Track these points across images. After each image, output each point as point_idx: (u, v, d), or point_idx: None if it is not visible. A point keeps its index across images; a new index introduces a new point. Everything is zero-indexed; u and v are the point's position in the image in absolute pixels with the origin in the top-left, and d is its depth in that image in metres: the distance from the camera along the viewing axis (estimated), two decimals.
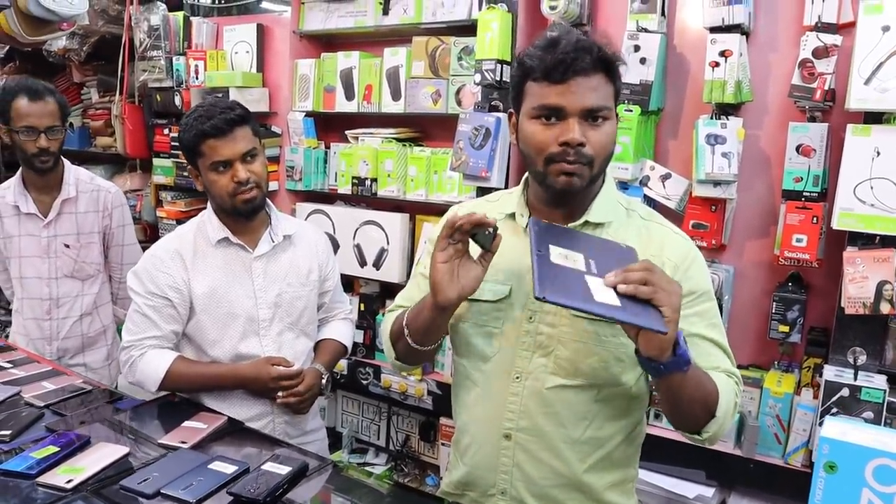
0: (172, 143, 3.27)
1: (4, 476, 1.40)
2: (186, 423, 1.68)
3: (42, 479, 1.39)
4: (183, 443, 1.57)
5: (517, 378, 1.31)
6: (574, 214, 1.30)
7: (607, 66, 1.21)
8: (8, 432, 1.58)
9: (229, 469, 1.44)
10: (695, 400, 1.19)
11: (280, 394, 1.83)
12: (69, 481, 1.38)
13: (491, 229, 1.18)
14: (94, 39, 3.45)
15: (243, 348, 1.84)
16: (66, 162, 2.44)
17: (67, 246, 2.41)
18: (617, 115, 1.29)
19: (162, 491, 1.35)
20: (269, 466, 1.46)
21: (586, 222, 1.29)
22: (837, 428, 0.98)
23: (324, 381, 1.93)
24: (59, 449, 1.49)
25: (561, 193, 1.25)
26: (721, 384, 1.22)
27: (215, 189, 1.75)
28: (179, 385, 1.85)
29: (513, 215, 1.36)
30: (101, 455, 1.49)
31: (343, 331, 2.08)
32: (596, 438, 1.26)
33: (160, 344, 1.83)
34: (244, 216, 1.80)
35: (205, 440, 1.61)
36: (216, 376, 1.83)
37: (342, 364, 2.84)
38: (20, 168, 2.41)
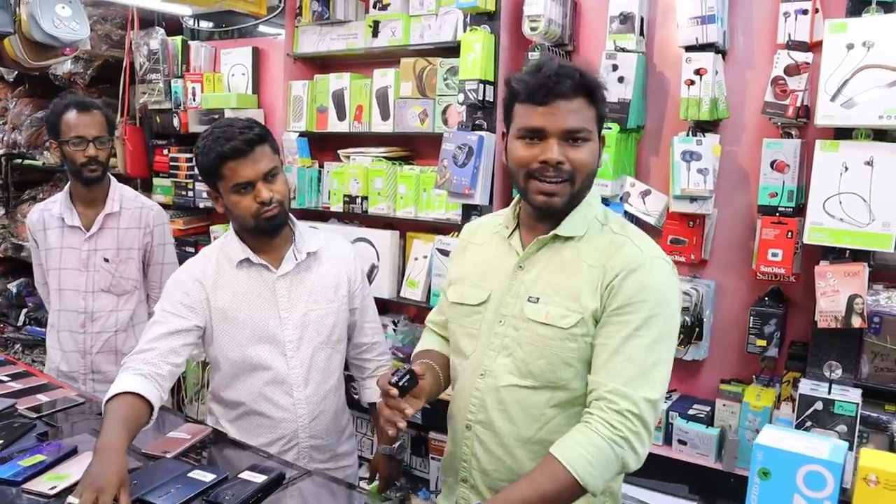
0: (171, 164, 3.36)
1: None
2: (171, 434, 1.73)
3: (27, 485, 1.45)
4: (165, 452, 1.62)
5: (482, 375, 1.42)
6: (552, 227, 1.39)
7: (589, 91, 1.29)
8: (0, 441, 1.64)
9: (208, 478, 1.49)
10: None
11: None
12: (53, 488, 1.43)
13: (402, 380, 1.33)
14: (98, 63, 3.56)
15: (267, 374, 1.79)
16: (113, 179, 2.51)
17: (107, 260, 2.44)
18: (602, 137, 1.37)
19: (141, 497, 1.40)
20: (246, 475, 1.51)
21: (556, 236, 1.38)
22: (773, 435, 1.02)
23: (396, 455, 1.99)
24: (46, 457, 1.55)
25: (542, 211, 1.36)
26: (577, 455, 1.21)
27: (238, 210, 1.71)
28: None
29: (505, 227, 1.49)
30: (86, 464, 1.53)
31: None
32: (548, 441, 1.28)
33: (145, 363, 1.66)
34: (267, 234, 1.77)
35: (189, 450, 1.66)
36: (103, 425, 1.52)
37: None
38: (69, 183, 2.47)
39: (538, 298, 1.36)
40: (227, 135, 1.66)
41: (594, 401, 1.27)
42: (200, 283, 1.78)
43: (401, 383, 1.32)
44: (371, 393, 2.01)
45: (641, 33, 2.25)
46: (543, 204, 1.32)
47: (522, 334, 1.37)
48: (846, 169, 1.78)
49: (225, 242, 1.83)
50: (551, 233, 1.37)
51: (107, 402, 1.55)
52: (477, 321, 1.44)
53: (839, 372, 1.91)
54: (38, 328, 4.08)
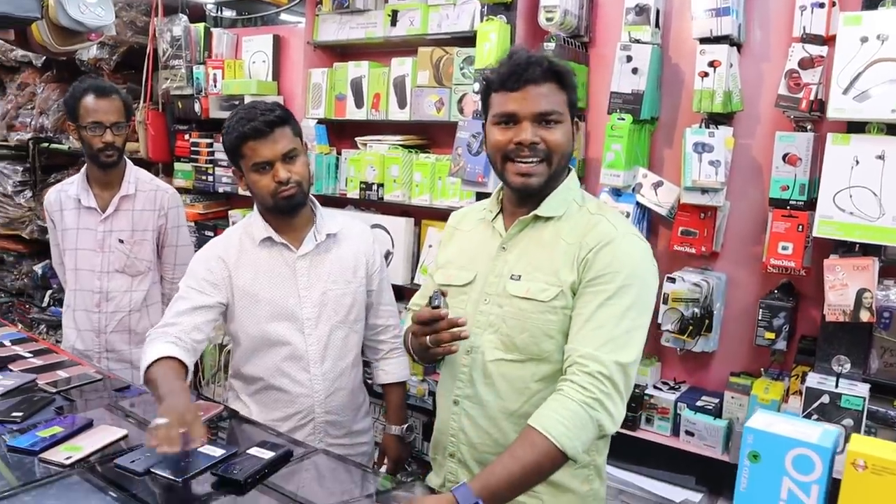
0: (192, 148, 3.42)
1: (12, 452, 1.51)
2: None
3: (44, 455, 1.50)
4: None
5: (468, 351, 1.47)
6: (532, 210, 1.45)
7: (558, 76, 1.36)
8: (20, 413, 1.70)
9: (218, 452, 1.53)
10: (534, 484, 1.26)
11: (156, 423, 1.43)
12: (68, 458, 1.48)
13: (439, 301, 1.36)
14: (123, 49, 3.62)
15: (285, 349, 1.85)
16: (129, 162, 2.57)
17: (121, 241, 2.49)
18: (576, 120, 1.44)
19: (152, 470, 1.44)
20: (255, 451, 1.54)
21: (536, 216, 1.45)
22: (763, 419, 1.03)
23: (404, 436, 2.01)
24: (62, 429, 1.60)
25: (520, 192, 1.43)
26: (552, 420, 1.23)
27: (257, 189, 1.79)
28: (148, 386, 1.68)
29: (489, 212, 1.56)
30: (100, 436, 1.60)
31: (401, 370, 2.06)
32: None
33: (167, 337, 1.72)
34: (286, 213, 1.82)
35: None
36: (160, 388, 1.58)
37: None
38: (85, 165, 2.53)
39: (520, 276, 1.43)
40: (250, 116, 1.74)
41: (568, 367, 1.31)
42: (223, 261, 1.85)
43: (441, 306, 1.35)
44: (384, 374, 2.06)
45: (657, 25, 2.24)
46: (521, 185, 1.39)
47: (506, 310, 1.43)
48: (857, 163, 1.78)
49: (249, 222, 1.90)
50: (532, 213, 1.44)
51: (147, 369, 1.64)
52: (463, 301, 1.49)
53: (847, 366, 1.90)
54: (61, 309, 4.18)
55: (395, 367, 2.06)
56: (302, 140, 1.85)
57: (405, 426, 2.05)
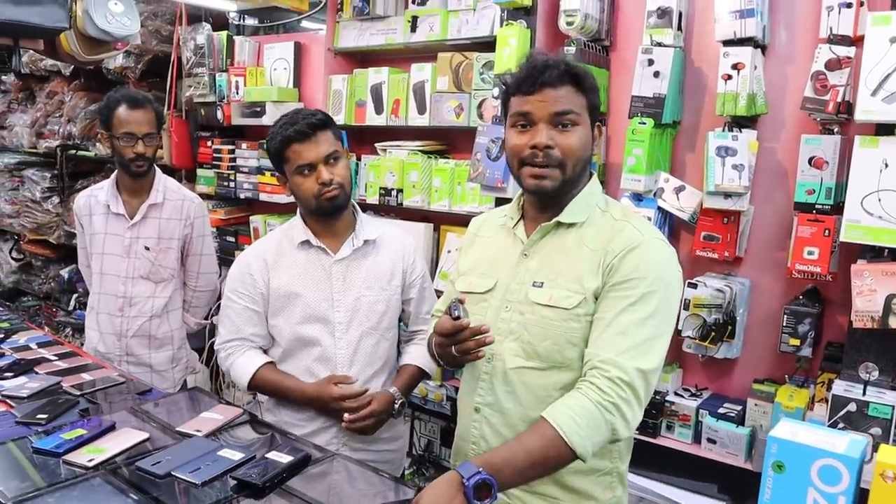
0: (214, 155, 3.45)
1: (37, 453, 1.54)
2: (204, 414, 1.79)
3: (68, 457, 1.52)
4: (198, 431, 1.68)
5: (489, 359, 1.46)
6: (554, 216, 1.43)
7: (576, 79, 1.35)
8: (45, 416, 1.72)
9: (237, 456, 1.54)
10: (537, 475, 1.27)
11: (346, 416, 1.82)
12: (91, 460, 1.50)
13: (458, 311, 1.35)
14: (148, 58, 3.68)
15: (316, 350, 1.88)
16: (158, 170, 2.61)
17: (147, 248, 2.54)
18: (598, 124, 1.41)
19: (172, 473, 1.45)
20: (273, 455, 1.55)
21: (558, 223, 1.42)
22: (788, 428, 1.01)
23: (396, 406, 1.91)
24: (86, 432, 1.62)
25: (535, 195, 1.42)
26: (564, 415, 1.23)
27: (301, 192, 1.83)
28: (261, 390, 1.96)
29: (510, 218, 1.55)
30: (123, 439, 1.61)
31: (423, 355, 1.97)
32: None
33: (245, 346, 1.93)
34: (329, 214, 1.86)
35: (220, 430, 1.72)
36: (285, 389, 1.90)
37: None
38: (115, 171, 2.58)
39: (542, 283, 1.41)
40: (293, 120, 1.81)
41: (588, 370, 1.30)
42: (264, 261, 1.91)
43: (461, 316, 1.35)
44: (406, 356, 2.02)
45: (679, 27, 2.22)
46: (535, 187, 1.38)
47: (528, 318, 1.41)
48: (886, 165, 1.74)
49: (290, 226, 1.95)
50: (554, 220, 1.43)
51: (252, 378, 1.90)
52: (483, 308, 1.48)
53: (876, 374, 1.86)
54: (86, 312, 4.24)
55: (420, 351, 1.99)
56: (343, 144, 1.89)
57: (402, 401, 1.93)
